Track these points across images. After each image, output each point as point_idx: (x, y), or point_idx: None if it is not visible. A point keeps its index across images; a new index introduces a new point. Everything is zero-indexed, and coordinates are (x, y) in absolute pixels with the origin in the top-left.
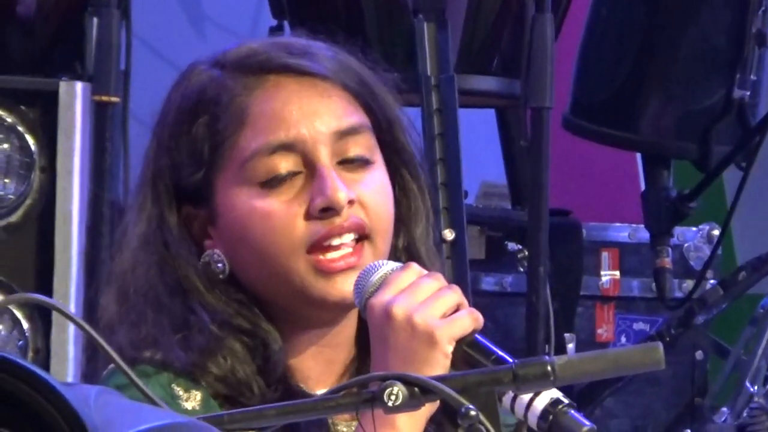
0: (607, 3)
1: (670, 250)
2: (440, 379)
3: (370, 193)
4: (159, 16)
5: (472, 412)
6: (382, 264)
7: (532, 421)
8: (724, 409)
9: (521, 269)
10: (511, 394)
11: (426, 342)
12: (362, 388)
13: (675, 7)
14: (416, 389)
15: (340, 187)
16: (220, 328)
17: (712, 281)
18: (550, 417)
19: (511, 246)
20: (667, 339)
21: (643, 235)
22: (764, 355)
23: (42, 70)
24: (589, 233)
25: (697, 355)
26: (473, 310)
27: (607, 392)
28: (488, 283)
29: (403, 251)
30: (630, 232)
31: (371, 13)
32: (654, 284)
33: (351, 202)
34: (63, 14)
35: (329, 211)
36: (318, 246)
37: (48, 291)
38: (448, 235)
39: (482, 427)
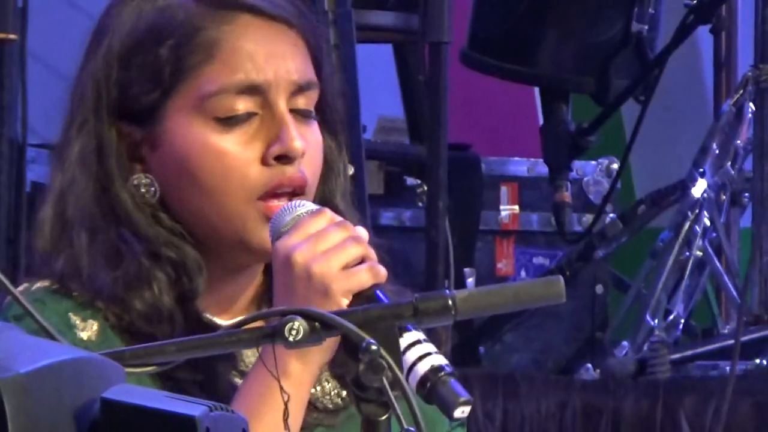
0: None
1: (569, 184)
2: (341, 313)
3: (312, 148)
4: None
5: (373, 347)
6: (299, 205)
7: (412, 384)
8: (625, 343)
9: (420, 204)
10: None
11: (321, 293)
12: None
13: None
14: (317, 324)
15: (297, 136)
16: (150, 259)
17: (611, 215)
18: (428, 384)
19: (410, 181)
20: (567, 273)
21: (542, 169)
22: (664, 288)
23: None
24: (488, 168)
25: (597, 289)
26: (375, 264)
27: (507, 327)
28: (387, 217)
29: (318, 203)
30: (529, 166)
31: None
32: (553, 218)
33: (303, 154)
34: None
35: (284, 158)
36: (270, 194)
37: None
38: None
39: (383, 362)
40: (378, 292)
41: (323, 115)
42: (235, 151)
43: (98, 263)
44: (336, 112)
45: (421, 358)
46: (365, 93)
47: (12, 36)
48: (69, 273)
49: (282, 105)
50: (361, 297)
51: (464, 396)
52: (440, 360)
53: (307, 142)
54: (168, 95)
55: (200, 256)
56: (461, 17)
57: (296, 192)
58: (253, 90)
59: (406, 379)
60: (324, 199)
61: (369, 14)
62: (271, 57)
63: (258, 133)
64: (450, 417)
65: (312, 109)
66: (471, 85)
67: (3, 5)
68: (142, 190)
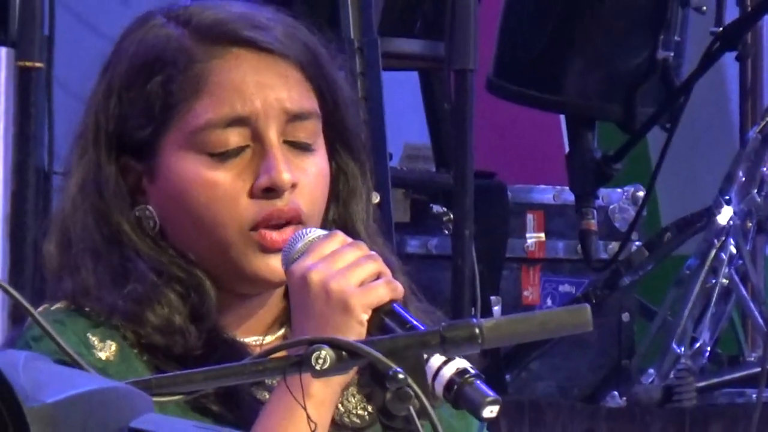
0: None
1: (595, 211)
2: (368, 342)
3: (310, 179)
4: None
5: (400, 375)
6: (309, 231)
7: (438, 390)
8: (651, 370)
9: (446, 232)
10: None
11: (340, 309)
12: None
13: None
14: (344, 353)
15: (284, 169)
16: (158, 277)
17: (637, 243)
18: (455, 387)
19: (436, 208)
20: (593, 301)
21: (568, 196)
22: (690, 316)
23: None
24: (514, 195)
25: (623, 316)
26: (392, 279)
27: (534, 355)
28: (413, 245)
29: (339, 228)
30: (555, 193)
31: None
32: (579, 246)
33: (293, 186)
34: None
35: (272, 192)
36: (262, 225)
37: None
38: (373, 198)
39: (410, 390)
40: (396, 306)
41: (343, 140)
42: (226, 184)
43: (106, 284)
44: (358, 138)
45: (446, 362)
46: (391, 120)
47: (38, 64)
48: (80, 293)
49: (272, 136)
50: (380, 312)
51: (491, 395)
52: (465, 363)
53: (304, 172)
54: (161, 130)
55: (207, 276)
56: (487, 44)
57: (291, 222)
58: (240, 122)
59: (432, 385)
60: (345, 224)
61: (395, 42)
62: (259, 86)
63: (249, 165)
64: (479, 417)
65: (311, 139)
66: (497, 113)
67: (29, 34)
68: (144, 221)
